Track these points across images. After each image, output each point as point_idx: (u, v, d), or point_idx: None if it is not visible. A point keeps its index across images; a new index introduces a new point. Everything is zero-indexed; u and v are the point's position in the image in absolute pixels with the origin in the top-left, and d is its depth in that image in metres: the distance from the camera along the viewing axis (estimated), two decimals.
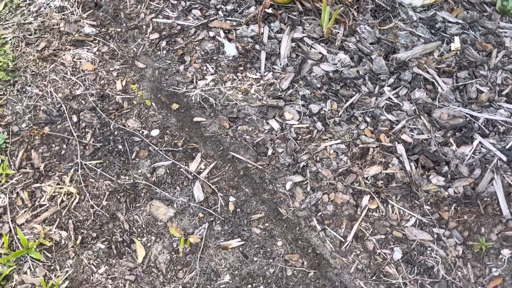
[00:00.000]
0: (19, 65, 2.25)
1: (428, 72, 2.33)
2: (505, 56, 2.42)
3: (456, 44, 2.44)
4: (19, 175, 1.93)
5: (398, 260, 1.81)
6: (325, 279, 1.77)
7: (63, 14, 2.49)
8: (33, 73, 2.25)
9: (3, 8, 2.52)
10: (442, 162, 2.03)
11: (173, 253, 1.81)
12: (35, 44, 2.35)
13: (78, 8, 2.51)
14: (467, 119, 2.15)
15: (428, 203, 1.93)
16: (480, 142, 2.08)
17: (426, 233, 1.86)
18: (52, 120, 2.11)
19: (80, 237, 1.80)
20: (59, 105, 2.16)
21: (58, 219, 1.84)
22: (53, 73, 2.26)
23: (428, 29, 2.53)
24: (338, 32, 2.47)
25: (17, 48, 2.33)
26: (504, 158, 2.02)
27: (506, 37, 2.51)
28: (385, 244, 1.85)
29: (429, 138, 2.11)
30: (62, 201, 1.87)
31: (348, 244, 1.85)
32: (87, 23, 2.46)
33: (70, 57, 2.32)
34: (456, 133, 2.13)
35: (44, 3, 2.53)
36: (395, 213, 1.92)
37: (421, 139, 2.11)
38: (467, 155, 2.05)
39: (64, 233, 1.79)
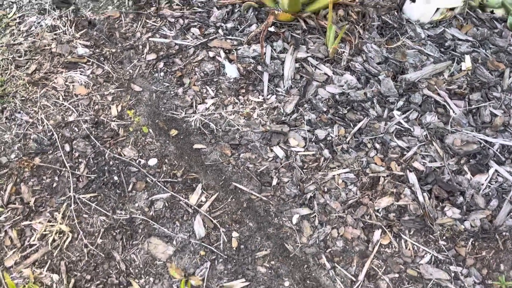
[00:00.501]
0: (8, 90, 2.13)
1: (439, 94, 2.22)
2: None
3: (467, 63, 2.34)
4: (7, 212, 1.81)
5: None
6: None
7: (55, 34, 2.37)
8: (23, 98, 2.12)
9: None
10: (457, 192, 1.92)
11: None
12: (25, 67, 2.23)
13: (71, 27, 2.39)
14: (482, 145, 2.05)
15: (444, 237, 1.82)
16: (496, 170, 1.97)
17: (443, 271, 1.75)
18: (43, 150, 1.99)
19: (73, 280, 1.68)
20: (51, 133, 2.03)
21: (49, 261, 1.71)
22: (44, 98, 2.13)
23: (437, 47, 2.42)
24: (343, 52, 2.36)
25: (6, 72, 2.20)
26: None
27: None
28: (399, 284, 1.73)
29: (442, 166, 2.00)
30: (54, 240, 1.75)
31: (359, 284, 1.73)
32: (80, 44, 2.34)
33: (62, 80, 2.19)
34: (470, 160, 2.02)
35: (35, 22, 2.41)
36: (409, 249, 1.81)
37: (433, 167, 2.00)
38: (482, 184, 1.94)
39: (55, 276, 1.67)
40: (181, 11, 2.52)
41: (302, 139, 2.07)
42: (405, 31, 2.49)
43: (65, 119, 2.08)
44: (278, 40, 2.37)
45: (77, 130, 2.06)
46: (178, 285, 1.71)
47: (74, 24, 2.41)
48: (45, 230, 1.76)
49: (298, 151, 2.04)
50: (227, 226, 1.85)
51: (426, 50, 2.41)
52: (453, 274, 1.74)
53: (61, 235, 1.76)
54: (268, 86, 2.23)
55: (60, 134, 2.04)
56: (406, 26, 2.51)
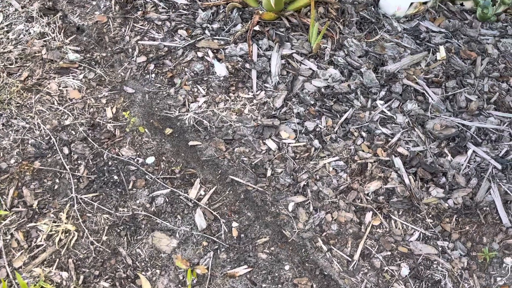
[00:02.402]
0: (2, 98, 2.16)
1: (417, 83, 2.36)
2: (489, 64, 2.47)
3: (441, 53, 2.49)
4: (12, 215, 1.85)
5: (406, 276, 1.82)
6: None
7: (44, 41, 2.41)
8: (18, 105, 2.16)
9: None
10: (440, 173, 2.06)
11: (179, 285, 1.76)
12: (18, 74, 2.26)
13: (60, 34, 2.44)
14: (459, 129, 2.19)
15: (430, 215, 1.95)
16: (474, 151, 2.12)
17: (431, 246, 1.88)
18: (42, 154, 2.03)
19: (82, 277, 1.73)
20: (48, 137, 2.08)
21: (58, 259, 1.76)
22: (39, 104, 2.17)
23: (413, 40, 2.56)
24: (326, 47, 2.48)
25: None
26: (499, 166, 2.06)
27: (488, 44, 2.57)
28: (392, 261, 1.86)
29: (425, 149, 2.13)
30: (60, 239, 1.80)
31: (355, 263, 1.84)
32: (70, 49, 2.38)
33: (55, 85, 2.24)
34: (450, 143, 2.16)
35: (23, 29, 2.44)
36: (399, 228, 1.93)
37: (417, 151, 2.13)
38: (462, 164, 2.09)
39: (65, 274, 1.72)
40: (167, 14, 2.59)
41: (293, 131, 2.17)
42: (383, 25, 2.62)
43: (62, 123, 2.13)
44: (263, 39, 2.47)
45: (74, 133, 2.11)
46: (184, 274, 1.78)
47: (62, 30, 2.45)
48: (51, 231, 1.81)
49: (290, 143, 2.14)
50: (226, 217, 1.94)
51: (403, 42, 2.54)
52: (440, 249, 1.88)
53: (67, 234, 1.82)
54: (256, 83, 2.33)
55: (57, 137, 2.08)
56: (383, 20, 2.64)
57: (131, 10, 2.59)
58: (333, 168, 2.07)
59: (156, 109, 2.24)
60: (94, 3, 2.60)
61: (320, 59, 2.44)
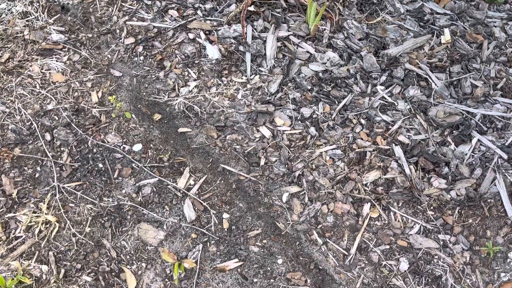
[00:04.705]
0: None
1: (420, 68, 2.24)
2: (496, 47, 2.35)
3: (446, 36, 2.36)
4: None
5: (405, 271, 1.73)
6: None
7: (27, 20, 2.28)
8: None
9: None
10: (442, 163, 1.96)
11: (166, 280, 1.67)
12: None
13: (44, 13, 2.31)
14: (464, 116, 2.08)
15: (431, 207, 1.86)
16: (478, 140, 2.01)
17: (432, 240, 1.78)
18: (22, 140, 1.92)
19: (63, 270, 1.64)
20: (29, 122, 1.97)
21: (37, 252, 1.67)
22: (20, 87, 2.06)
23: (417, 22, 2.43)
24: (324, 29, 2.35)
25: None
26: (505, 156, 1.96)
27: (495, 27, 2.44)
28: (391, 255, 1.76)
29: (427, 138, 2.03)
30: (40, 231, 1.70)
31: (352, 258, 1.75)
32: (54, 29, 2.26)
33: (38, 68, 2.12)
34: (454, 131, 2.05)
35: (5, 9, 2.31)
36: (398, 221, 1.83)
37: (418, 139, 2.02)
38: (466, 154, 1.98)
39: (44, 267, 1.63)
40: None
41: (288, 118, 2.06)
42: (385, 7, 2.49)
43: (44, 107, 2.02)
44: (259, 20, 2.34)
45: (57, 118, 2.00)
46: (171, 268, 1.69)
47: (46, 10, 2.32)
48: (30, 222, 1.72)
49: (285, 130, 2.03)
50: (217, 208, 1.84)
51: (406, 24, 2.41)
52: (441, 243, 1.78)
53: (48, 226, 1.72)
54: (251, 66, 2.21)
55: (39, 123, 1.97)
56: (385, 1, 2.51)
57: None
58: (330, 157, 1.97)
59: (144, 93, 2.12)
60: None
61: (318, 41, 2.32)
